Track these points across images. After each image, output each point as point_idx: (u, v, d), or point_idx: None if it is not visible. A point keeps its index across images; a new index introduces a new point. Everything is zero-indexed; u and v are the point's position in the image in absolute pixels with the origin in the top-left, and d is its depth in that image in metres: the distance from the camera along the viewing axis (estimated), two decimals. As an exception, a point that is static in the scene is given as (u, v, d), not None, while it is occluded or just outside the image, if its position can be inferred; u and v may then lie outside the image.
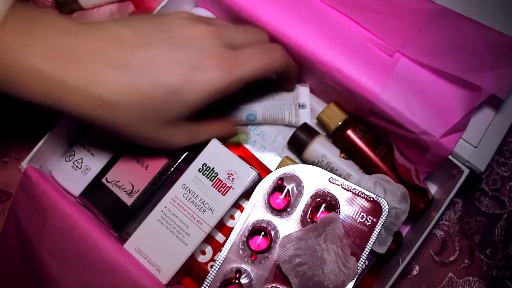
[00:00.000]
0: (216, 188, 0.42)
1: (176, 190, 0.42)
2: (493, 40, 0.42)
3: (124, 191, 0.44)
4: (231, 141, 0.47)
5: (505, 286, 0.49)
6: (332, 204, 0.42)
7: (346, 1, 0.45)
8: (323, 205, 0.42)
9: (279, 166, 0.48)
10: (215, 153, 0.42)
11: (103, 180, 0.44)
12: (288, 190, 0.43)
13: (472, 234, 0.50)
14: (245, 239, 0.42)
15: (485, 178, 0.52)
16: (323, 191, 0.43)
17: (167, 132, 0.38)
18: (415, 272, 0.49)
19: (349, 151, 0.47)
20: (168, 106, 0.36)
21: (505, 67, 0.41)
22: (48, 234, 0.40)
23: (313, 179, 0.43)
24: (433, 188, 0.49)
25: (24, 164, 0.42)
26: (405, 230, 0.48)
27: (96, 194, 0.44)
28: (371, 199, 0.42)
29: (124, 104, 0.34)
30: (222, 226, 0.46)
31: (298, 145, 0.48)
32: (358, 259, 0.41)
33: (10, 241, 0.43)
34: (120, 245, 0.42)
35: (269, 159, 0.50)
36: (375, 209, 0.42)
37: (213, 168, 0.42)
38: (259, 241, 0.42)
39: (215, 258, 0.44)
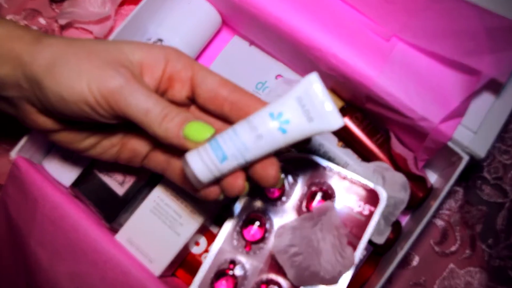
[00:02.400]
0: None
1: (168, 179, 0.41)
2: (492, 23, 0.41)
3: (115, 181, 0.43)
4: None
5: (507, 276, 0.47)
6: (328, 193, 0.41)
7: (342, -15, 0.44)
8: (319, 194, 0.41)
9: None
10: None
11: (94, 170, 0.43)
12: (283, 178, 0.42)
13: (473, 223, 0.49)
14: (239, 229, 0.41)
15: (486, 166, 0.50)
16: (319, 180, 0.42)
17: None
18: (415, 263, 0.48)
19: (346, 139, 0.46)
20: None
21: (504, 50, 0.40)
22: (38, 224, 0.40)
23: (308, 168, 0.42)
24: (433, 177, 0.48)
25: (13, 154, 0.42)
26: (404, 220, 0.48)
27: (87, 184, 0.43)
28: (369, 187, 0.41)
29: None
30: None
31: (294, 133, 0.47)
32: (355, 249, 0.40)
33: (0, 232, 0.43)
34: (112, 236, 0.41)
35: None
36: (373, 198, 0.41)
37: None
38: (253, 231, 0.41)
39: (209, 249, 0.43)
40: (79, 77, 0.30)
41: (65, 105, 0.31)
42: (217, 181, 0.31)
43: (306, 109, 0.29)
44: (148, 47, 0.33)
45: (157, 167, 0.37)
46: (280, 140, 0.30)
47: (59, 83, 0.30)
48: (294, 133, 0.30)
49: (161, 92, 0.34)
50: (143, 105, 0.30)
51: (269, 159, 0.31)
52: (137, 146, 0.36)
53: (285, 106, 0.30)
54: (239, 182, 0.31)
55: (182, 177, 0.35)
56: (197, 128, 0.30)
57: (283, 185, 0.42)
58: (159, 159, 0.36)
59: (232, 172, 0.31)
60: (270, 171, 0.31)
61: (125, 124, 0.34)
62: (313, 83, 0.30)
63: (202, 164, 0.30)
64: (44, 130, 0.34)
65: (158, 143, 0.35)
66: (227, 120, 0.34)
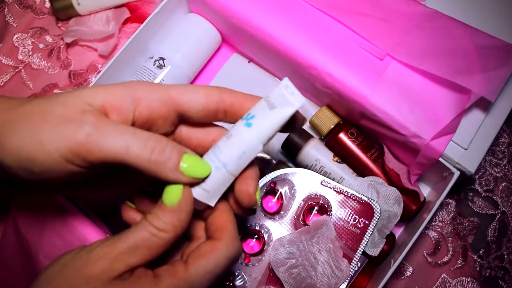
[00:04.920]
0: None
1: None
2: (482, 42, 0.42)
3: (120, 195, 0.44)
4: None
5: (498, 286, 0.49)
6: (324, 207, 0.43)
7: (337, 5, 0.45)
8: (316, 208, 0.43)
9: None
10: None
11: (100, 185, 0.45)
12: (281, 193, 0.43)
13: (465, 234, 0.50)
14: (238, 242, 0.43)
15: (478, 178, 0.52)
16: (315, 194, 0.43)
17: None
18: (408, 273, 0.50)
19: (341, 154, 0.47)
20: None
21: (494, 69, 0.41)
22: (47, 238, 0.41)
23: (305, 182, 0.44)
24: (426, 190, 0.49)
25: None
26: (398, 232, 0.49)
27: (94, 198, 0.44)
28: (363, 201, 0.43)
29: None
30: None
31: (292, 148, 0.48)
32: (350, 261, 0.42)
33: (10, 246, 0.44)
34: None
35: (263, 163, 0.50)
36: (367, 211, 0.43)
37: None
38: (252, 244, 0.43)
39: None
40: (41, 145, 0.27)
41: (41, 176, 0.28)
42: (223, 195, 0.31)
43: (269, 100, 0.29)
44: (110, 87, 0.29)
45: None
46: (247, 135, 0.29)
47: (23, 160, 0.27)
48: (260, 125, 0.29)
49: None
50: (120, 143, 0.27)
51: (248, 173, 0.30)
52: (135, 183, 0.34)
53: (255, 108, 0.30)
54: (249, 189, 0.30)
55: None
56: (195, 164, 0.28)
57: (281, 200, 0.43)
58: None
59: (225, 182, 0.30)
60: (246, 188, 0.30)
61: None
62: (283, 84, 0.29)
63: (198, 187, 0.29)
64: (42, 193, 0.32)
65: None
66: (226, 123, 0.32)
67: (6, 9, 0.58)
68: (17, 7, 0.58)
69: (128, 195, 0.35)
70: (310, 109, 0.51)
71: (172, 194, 0.29)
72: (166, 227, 0.29)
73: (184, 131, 0.33)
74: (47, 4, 0.58)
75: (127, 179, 0.34)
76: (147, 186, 0.35)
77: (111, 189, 0.34)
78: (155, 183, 0.33)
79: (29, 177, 0.28)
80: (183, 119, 0.31)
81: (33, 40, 0.57)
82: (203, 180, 0.29)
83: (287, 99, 0.29)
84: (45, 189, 0.32)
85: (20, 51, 0.56)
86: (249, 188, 0.30)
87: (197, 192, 0.30)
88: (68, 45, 0.56)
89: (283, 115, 0.29)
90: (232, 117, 0.31)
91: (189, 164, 0.28)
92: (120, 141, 0.27)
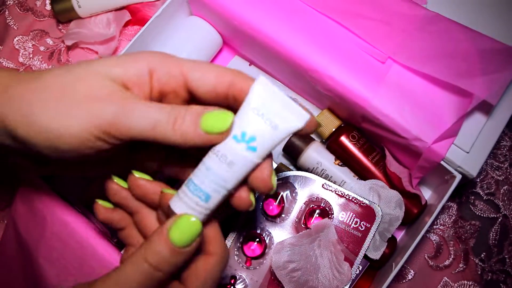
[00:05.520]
0: None
1: None
2: (484, 46, 0.42)
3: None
4: None
5: (500, 289, 0.49)
6: (325, 210, 0.43)
7: (338, 8, 0.45)
8: (317, 211, 0.43)
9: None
10: None
11: (100, 188, 0.44)
12: (282, 196, 0.43)
13: (466, 238, 0.50)
14: (240, 245, 0.43)
15: (479, 182, 0.52)
16: (316, 197, 0.43)
17: None
18: (410, 277, 0.49)
19: (343, 157, 0.47)
20: None
21: (496, 72, 0.41)
22: (46, 241, 0.41)
23: (306, 186, 0.43)
24: (427, 193, 0.49)
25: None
26: (399, 235, 0.49)
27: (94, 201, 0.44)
28: (365, 204, 0.43)
29: None
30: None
31: (293, 151, 0.48)
32: (352, 265, 0.42)
33: (10, 248, 0.44)
34: (119, 252, 0.42)
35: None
36: (368, 215, 0.43)
37: None
38: (253, 247, 0.43)
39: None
40: (69, 123, 0.27)
41: (65, 155, 0.28)
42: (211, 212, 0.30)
43: (267, 118, 0.27)
44: (124, 60, 0.29)
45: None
46: (253, 159, 0.28)
47: (50, 139, 0.27)
48: (264, 146, 0.28)
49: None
50: (147, 120, 0.27)
51: (263, 164, 0.29)
52: (145, 166, 0.34)
53: (245, 124, 0.28)
54: (244, 198, 0.29)
55: None
56: (215, 118, 0.27)
57: (282, 203, 0.43)
58: (172, 172, 0.34)
59: (221, 201, 0.29)
60: (264, 177, 0.29)
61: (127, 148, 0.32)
62: (264, 87, 0.28)
63: (189, 209, 0.28)
64: (50, 173, 0.33)
65: (167, 158, 0.33)
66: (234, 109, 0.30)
67: (6, 12, 0.58)
68: (18, 10, 0.58)
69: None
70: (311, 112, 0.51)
71: (188, 235, 0.28)
72: (174, 269, 0.28)
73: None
74: (48, 7, 0.58)
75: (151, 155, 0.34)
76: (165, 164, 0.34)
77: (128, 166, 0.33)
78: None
79: (53, 154, 0.28)
80: (194, 96, 0.30)
81: (33, 43, 0.57)
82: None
83: (289, 116, 0.28)
84: (62, 167, 0.31)
85: (20, 54, 0.56)
86: (264, 174, 0.29)
87: (200, 216, 0.29)
88: (69, 48, 0.56)
89: (288, 134, 0.28)
90: (239, 104, 0.29)
91: (208, 124, 0.27)
92: (147, 118, 0.27)
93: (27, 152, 0.29)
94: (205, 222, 0.29)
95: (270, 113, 0.28)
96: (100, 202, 0.33)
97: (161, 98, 0.31)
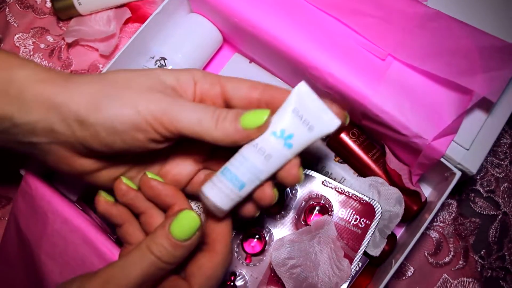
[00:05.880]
0: None
1: None
2: (484, 43, 0.42)
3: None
4: None
5: (499, 287, 0.49)
6: (325, 207, 0.43)
7: (338, 5, 0.45)
8: (317, 208, 0.43)
9: None
10: None
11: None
12: (282, 193, 0.43)
13: (466, 235, 0.50)
14: (240, 242, 0.43)
15: (479, 179, 0.52)
16: (316, 194, 0.43)
17: None
18: (409, 273, 0.50)
19: (343, 154, 0.47)
20: None
21: (496, 70, 0.41)
22: (48, 238, 0.41)
23: (306, 183, 0.44)
24: (427, 190, 0.49)
25: (22, 170, 0.43)
26: (399, 232, 0.49)
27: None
28: (364, 201, 0.43)
29: None
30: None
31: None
32: (351, 261, 0.42)
33: (12, 245, 0.44)
34: (118, 248, 0.43)
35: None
36: (368, 212, 0.43)
37: None
38: (253, 244, 0.43)
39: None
40: (127, 105, 0.30)
41: (117, 137, 0.30)
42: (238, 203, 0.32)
43: (304, 119, 0.31)
44: (176, 71, 0.34)
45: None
46: (288, 155, 0.31)
47: (108, 117, 0.30)
48: (299, 144, 0.31)
49: None
50: (195, 116, 0.30)
51: (293, 160, 0.31)
52: (178, 175, 0.36)
53: (285, 122, 0.31)
54: (269, 192, 0.31)
55: None
56: (253, 115, 0.30)
57: (282, 200, 0.43)
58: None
59: (252, 191, 0.31)
60: (293, 171, 0.31)
61: (162, 154, 0.34)
62: (304, 92, 0.31)
63: (222, 195, 0.30)
64: (82, 173, 0.33)
65: (200, 168, 0.36)
66: None
67: (7, 9, 0.58)
68: (18, 7, 0.58)
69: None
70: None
71: (187, 229, 0.30)
72: (176, 260, 0.31)
73: None
74: (48, 4, 0.58)
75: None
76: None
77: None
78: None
79: (107, 137, 0.30)
80: (230, 106, 0.34)
81: (34, 40, 0.57)
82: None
83: (324, 120, 0.31)
84: (99, 157, 0.33)
85: (21, 51, 0.56)
86: (294, 168, 0.31)
87: (225, 202, 0.31)
88: (69, 45, 0.56)
89: (321, 136, 0.31)
90: (272, 111, 0.32)
91: (247, 120, 0.30)
92: (195, 114, 0.30)
93: (73, 141, 0.31)
94: (230, 209, 0.31)
95: (308, 115, 0.31)
96: (103, 194, 0.35)
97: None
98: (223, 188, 0.30)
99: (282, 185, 0.32)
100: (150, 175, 0.34)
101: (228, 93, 0.33)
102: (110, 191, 0.35)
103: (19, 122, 0.30)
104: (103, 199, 0.34)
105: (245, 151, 0.31)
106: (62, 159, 0.32)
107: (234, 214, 0.34)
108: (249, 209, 0.33)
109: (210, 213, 0.32)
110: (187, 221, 0.30)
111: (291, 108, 0.31)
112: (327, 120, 0.31)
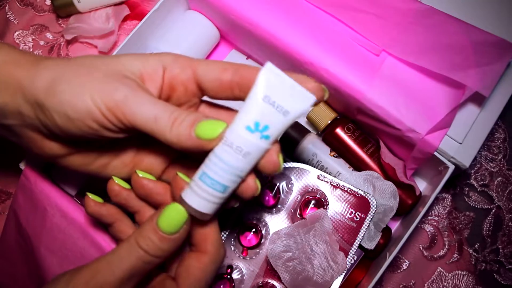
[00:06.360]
0: None
1: None
2: (477, 38, 0.43)
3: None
4: None
5: (493, 279, 0.49)
6: (321, 201, 0.43)
7: (333, 2, 0.46)
8: (312, 202, 0.44)
9: None
10: None
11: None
12: (278, 187, 0.44)
13: (461, 229, 0.51)
14: (236, 236, 0.43)
15: (473, 173, 0.52)
16: (312, 188, 0.44)
17: None
18: (404, 267, 0.50)
19: (338, 149, 0.48)
20: None
21: (488, 65, 0.41)
22: (47, 232, 0.42)
23: (302, 177, 0.44)
24: (422, 184, 0.50)
25: (22, 164, 0.44)
26: (394, 226, 0.49)
27: (94, 192, 0.45)
28: (360, 195, 0.43)
29: None
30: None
31: (289, 143, 0.49)
32: (346, 254, 0.42)
33: (12, 240, 0.45)
34: (116, 242, 0.43)
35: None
36: (363, 205, 0.43)
37: None
38: (249, 237, 0.43)
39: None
40: (82, 93, 0.29)
41: (71, 124, 0.29)
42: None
43: (277, 105, 0.28)
44: (144, 56, 0.32)
45: None
46: (266, 146, 0.29)
47: (62, 103, 0.29)
48: (276, 133, 0.29)
49: (165, 98, 0.33)
50: (151, 113, 0.28)
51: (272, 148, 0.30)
52: (152, 164, 0.35)
53: (258, 114, 0.28)
54: (252, 185, 0.30)
55: None
56: (208, 126, 0.28)
57: (278, 194, 0.44)
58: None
59: (235, 189, 0.30)
60: (272, 159, 0.30)
61: (137, 141, 0.34)
62: (272, 73, 0.28)
63: (205, 201, 0.29)
64: (52, 156, 0.33)
65: (175, 158, 0.35)
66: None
67: (7, 7, 0.59)
68: (18, 5, 0.59)
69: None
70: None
71: (174, 222, 0.30)
72: (164, 254, 0.30)
73: (206, 111, 0.34)
74: (48, 2, 0.59)
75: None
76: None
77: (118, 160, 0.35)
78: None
79: (61, 123, 0.29)
80: (203, 89, 0.32)
81: (33, 37, 0.58)
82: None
83: (298, 100, 0.28)
84: (65, 142, 0.32)
85: (21, 48, 0.57)
86: (274, 157, 0.30)
87: (209, 207, 0.29)
88: (69, 42, 0.57)
89: (298, 117, 0.29)
90: (245, 92, 0.30)
91: (202, 130, 0.28)
92: (152, 110, 0.29)
93: (38, 124, 0.31)
94: (215, 212, 0.30)
95: (280, 99, 0.28)
96: (91, 196, 0.35)
97: (171, 92, 0.32)
98: (204, 195, 0.29)
99: (262, 173, 0.31)
100: (141, 174, 0.33)
101: (199, 76, 0.32)
102: (102, 192, 0.35)
103: None
104: (92, 201, 0.34)
105: (221, 152, 0.29)
106: (32, 142, 0.32)
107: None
108: (231, 203, 0.32)
109: (195, 219, 0.30)
110: (174, 214, 0.30)
111: (261, 96, 0.28)
112: (301, 99, 0.29)
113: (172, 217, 0.30)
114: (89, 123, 0.29)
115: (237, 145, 0.28)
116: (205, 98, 0.34)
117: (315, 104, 0.30)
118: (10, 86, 0.30)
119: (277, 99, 0.28)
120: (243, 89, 0.31)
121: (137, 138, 0.33)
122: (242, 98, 0.31)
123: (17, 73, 0.30)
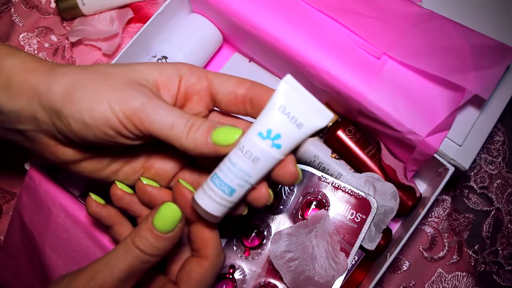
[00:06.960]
0: None
1: None
2: (476, 42, 0.43)
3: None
4: None
5: (492, 281, 0.50)
6: (322, 202, 0.44)
7: (335, 6, 0.46)
8: (314, 203, 0.44)
9: None
10: None
11: (103, 180, 0.46)
12: (280, 188, 0.44)
13: (460, 230, 0.51)
14: (238, 236, 0.44)
15: (473, 176, 0.53)
16: (313, 189, 0.44)
17: None
18: (405, 268, 0.50)
19: (339, 151, 0.48)
20: None
21: (487, 68, 0.42)
22: (52, 232, 0.42)
23: (304, 178, 0.45)
24: (422, 186, 0.50)
25: (27, 165, 0.44)
26: (395, 227, 0.50)
27: (98, 193, 0.45)
28: (360, 196, 0.44)
29: None
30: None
31: (290, 145, 0.49)
32: (347, 255, 0.43)
33: (17, 240, 0.45)
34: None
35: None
36: (364, 207, 0.44)
37: None
38: (252, 237, 0.44)
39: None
40: (100, 100, 0.29)
41: (88, 131, 0.30)
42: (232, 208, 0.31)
43: (292, 116, 0.28)
44: (161, 66, 0.33)
45: None
46: (278, 155, 0.29)
47: (79, 109, 0.29)
48: (288, 144, 0.29)
49: (179, 107, 0.33)
50: (168, 120, 0.29)
51: (287, 158, 0.30)
52: (162, 170, 0.35)
53: (271, 122, 0.28)
54: (264, 194, 0.30)
55: None
56: (224, 132, 0.29)
57: (280, 195, 0.44)
58: (186, 181, 0.34)
59: (245, 195, 0.30)
60: (290, 170, 0.30)
61: (147, 148, 0.34)
62: (291, 86, 0.29)
63: (213, 202, 0.29)
64: (65, 162, 0.33)
65: (184, 166, 0.35)
66: (253, 118, 0.32)
67: (12, 9, 0.59)
68: (23, 7, 0.60)
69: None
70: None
71: (169, 221, 0.30)
72: (160, 252, 0.31)
73: (216, 119, 0.35)
74: (53, 4, 0.59)
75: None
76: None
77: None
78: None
79: (78, 129, 0.30)
80: (216, 101, 0.33)
81: (38, 40, 0.58)
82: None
83: (315, 115, 0.29)
84: (79, 148, 0.33)
85: (26, 50, 0.57)
86: (290, 167, 0.30)
87: (216, 209, 0.30)
88: (73, 44, 0.57)
89: (312, 131, 0.29)
90: (257, 109, 0.31)
91: (218, 136, 0.29)
92: (169, 118, 0.29)
93: (53, 130, 0.31)
94: (224, 215, 0.31)
95: (296, 111, 0.28)
96: (93, 196, 0.35)
97: (185, 101, 0.33)
98: (213, 196, 0.29)
99: (280, 184, 0.31)
100: (145, 181, 0.34)
101: (214, 88, 0.32)
102: (105, 193, 0.35)
103: (5, 110, 0.31)
104: (93, 201, 0.35)
105: (232, 155, 0.29)
106: (46, 148, 0.32)
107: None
108: (239, 210, 0.33)
109: (204, 220, 0.31)
110: (168, 213, 0.30)
111: (277, 106, 0.29)
112: (318, 114, 0.29)
113: (167, 216, 0.30)
114: (106, 130, 0.30)
115: (247, 150, 0.29)
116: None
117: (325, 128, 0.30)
118: (26, 92, 0.30)
119: (292, 110, 0.28)
120: (255, 106, 0.31)
121: (149, 145, 0.34)
122: (252, 115, 0.32)
123: (33, 79, 0.30)
